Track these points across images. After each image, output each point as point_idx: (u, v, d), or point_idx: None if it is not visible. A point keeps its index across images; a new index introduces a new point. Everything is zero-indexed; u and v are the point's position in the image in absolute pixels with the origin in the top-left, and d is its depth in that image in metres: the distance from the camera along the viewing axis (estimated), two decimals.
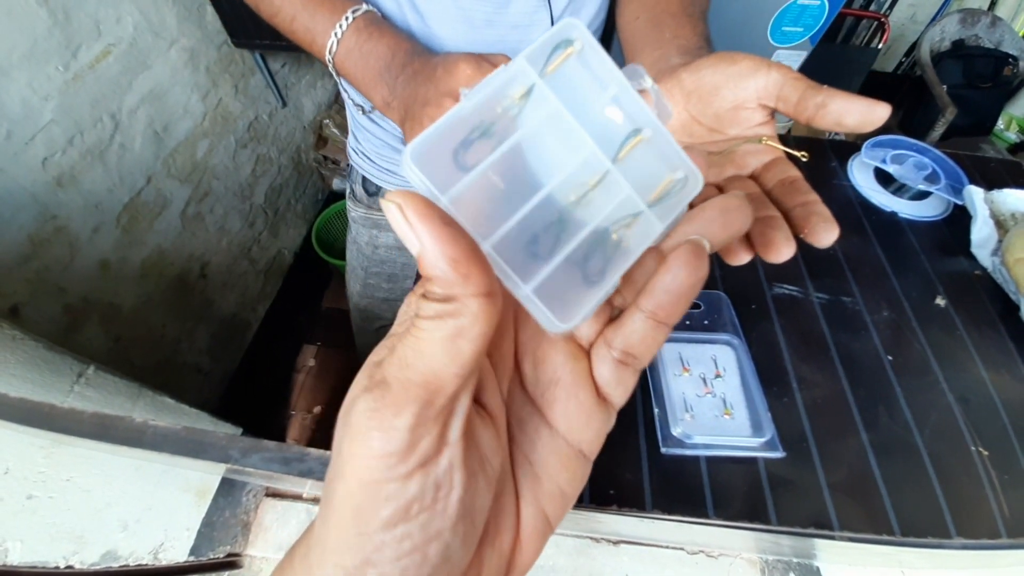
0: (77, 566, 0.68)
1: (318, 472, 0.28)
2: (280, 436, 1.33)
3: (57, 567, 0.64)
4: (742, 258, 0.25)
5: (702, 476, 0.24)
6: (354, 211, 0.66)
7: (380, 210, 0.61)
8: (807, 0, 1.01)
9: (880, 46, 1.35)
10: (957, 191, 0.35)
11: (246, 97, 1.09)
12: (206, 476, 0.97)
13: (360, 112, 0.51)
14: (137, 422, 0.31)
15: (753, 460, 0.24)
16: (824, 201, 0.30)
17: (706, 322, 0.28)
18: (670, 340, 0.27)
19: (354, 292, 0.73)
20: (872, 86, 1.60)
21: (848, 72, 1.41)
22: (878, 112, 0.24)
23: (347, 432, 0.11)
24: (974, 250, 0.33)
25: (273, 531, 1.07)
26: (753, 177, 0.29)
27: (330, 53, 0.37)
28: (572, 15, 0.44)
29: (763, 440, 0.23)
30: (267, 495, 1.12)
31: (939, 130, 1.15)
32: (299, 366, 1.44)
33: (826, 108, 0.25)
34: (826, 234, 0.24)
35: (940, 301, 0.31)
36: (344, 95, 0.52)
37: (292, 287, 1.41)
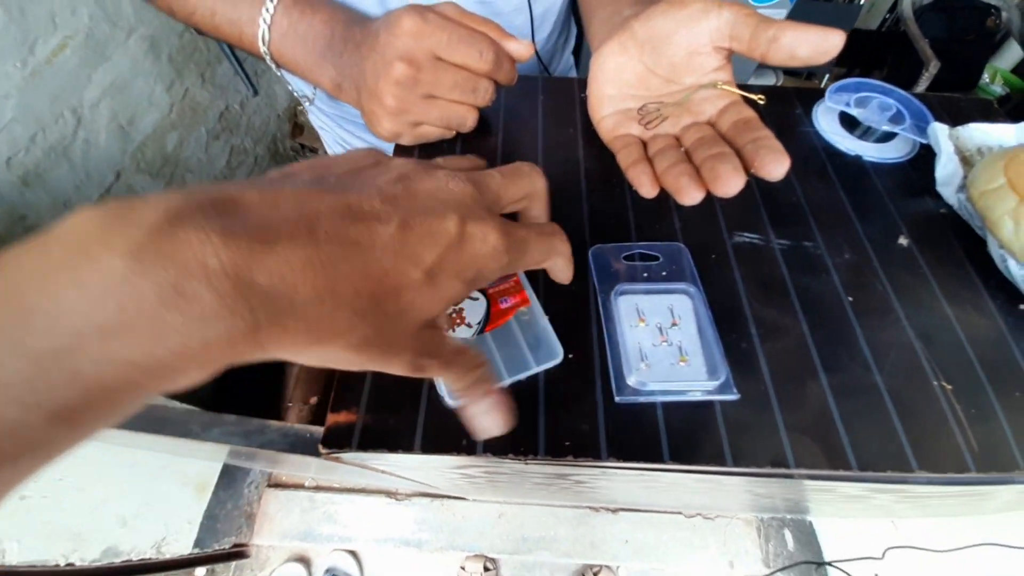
0: (78, 563, 0.68)
1: (279, 443, 0.27)
2: None
3: (57, 565, 0.64)
4: (694, 196, 0.24)
5: (658, 423, 0.23)
6: None
7: None
8: None
9: (862, 2, 1.32)
10: (922, 131, 0.34)
11: (214, 87, 1.06)
12: (204, 469, 0.98)
13: (308, 103, 0.48)
14: None
15: (709, 404, 0.24)
16: (788, 149, 0.29)
17: (664, 273, 0.27)
18: (626, 292, 0.26)
19: None
20: (856, 45, 1.57)
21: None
22: (831, 40, 0.23)
23: None
24: (939, 188, 0.32)
25: (278, 520, 1.09)
26: (710, 123, 0.28)
27: (263, 43, 0.33)
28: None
29: (718, 383, 0.23)
30: (269, 485, 1.13)
31: (923, 84, 1.13)
32: None
33: (778, 42, 0.24)
34: (775, 165, 0.24)
35: (903, 241, 0.30)
36: (289, 87, 0.48)
37: None
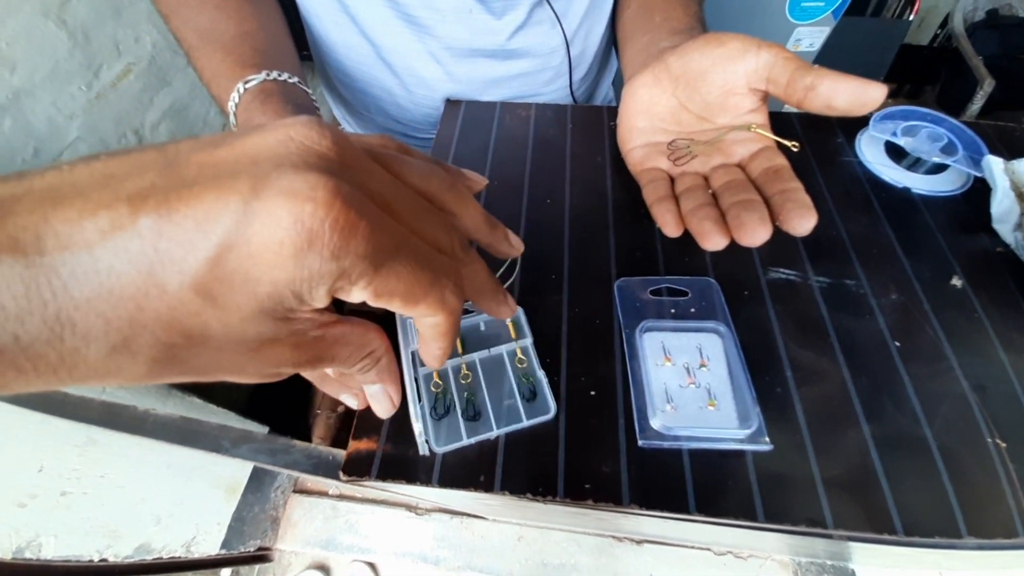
0: (111, 559, 0.71)
1: (302, 464, 0.28)
2: (306, 435, 1.37)
3: (91, 560, 0.67)
4: (716, 243, 0.24)
5: (684, 471, 0.23)
6: None
7: None
8: None
9: (911, 18, 1.27)
10: (976, 162, 0.32)
11: None
12: (235, 472, 1.01)
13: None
14: (139, 411, 0.32)
15: (740, 454, 0.23)
16: (829, 180, 0.27)
17: (693, 310, 0.27)
18: (652, 329, 0.26)
19: None
20: (905, 61, 1.50)
21: (878, 47, 1.33)
22: (871, 93, 0.22)
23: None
24: (995, 225, 0.30)
25: (301, 526, 1.11)
26: (740, 166, 0.28)
27: (232, 124, 0.34)
28: (586, 33, 0.43)
29: (749, 431, 0.22)
30: (295, 491, 1.15)
31: (978, 103, 1.07)
32: None
33: (814, 90, 0.23)
34: (801, 221, 0.23)
35: (956, 281, 0.28)
36: (333, 110, 0.51)
37: None
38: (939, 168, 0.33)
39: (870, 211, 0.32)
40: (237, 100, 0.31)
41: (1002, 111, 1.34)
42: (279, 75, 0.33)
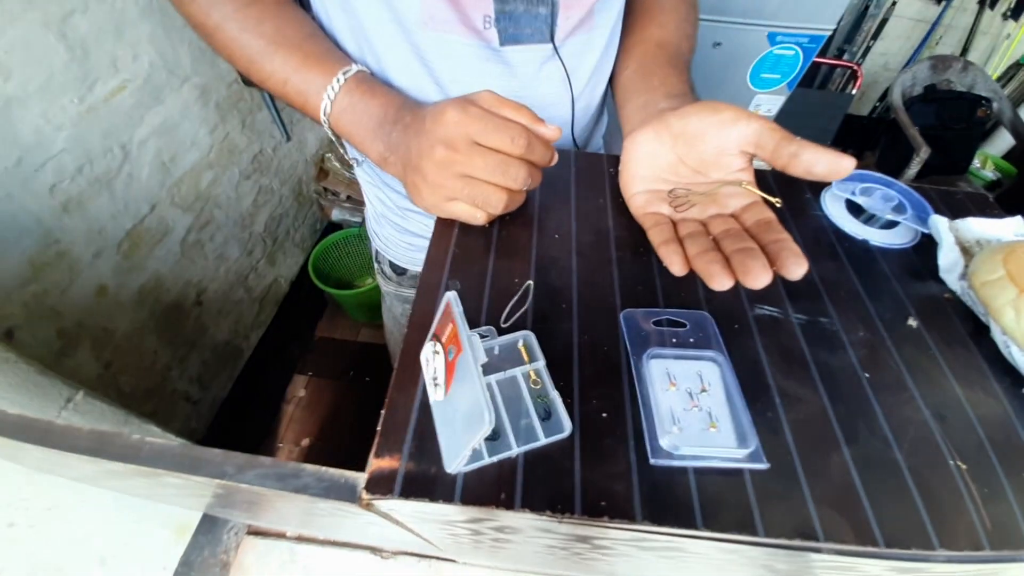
0: None
1: (313, 488, 0.28)
2: None
3: None
4: (724, 284, 0.27)
5: (691, 487, 0.24)
6: (385, 286, 0.68)
7: (409, 287, 0.63)
8: (782, 51, 1.09)
9: (854, 91, 1.44)
10: (923, 220, 0.37)
11: (252, 131, 1.13)
12: (187, 512, 0.94)
13: (356, 164, 0.53)
14: (134, 438, 0.31)
15: (739, 472, 0.25)
16: (800, 229, 0.31)
17: (692, 340, 0.29)
18: (657, 356, 0.28)
19: (394, 353, 0.76)
20: (848, 129, 1.69)
21: (825, 115, 1.49)
22: (844, 164, 0.28)
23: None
24: (942, 275, 0.35)
25: (253, 572, 1.04)
26: (734, 216, 0.32)
27: (324, 114, 0.38)
28: (591, 91, 0.47)
29: (748, 451, 0.24)
30: (248, 533, 1.08)
31: (914, 168, 1.21)
32: (288, 396, 1.42)
33: (798, 158, 0.28)
34: (795, 267, 0.27)
35: (912, 322, 0.33)
36: (340, 150, 0.54)
37: (286, 315, 1.41)
38: (892, 224, 0.38)
39: (836, 258, 0.37)
40: (337, 88, 0.37)
41: (936, 175, 1.51)
42: (362, 66, 0.39)
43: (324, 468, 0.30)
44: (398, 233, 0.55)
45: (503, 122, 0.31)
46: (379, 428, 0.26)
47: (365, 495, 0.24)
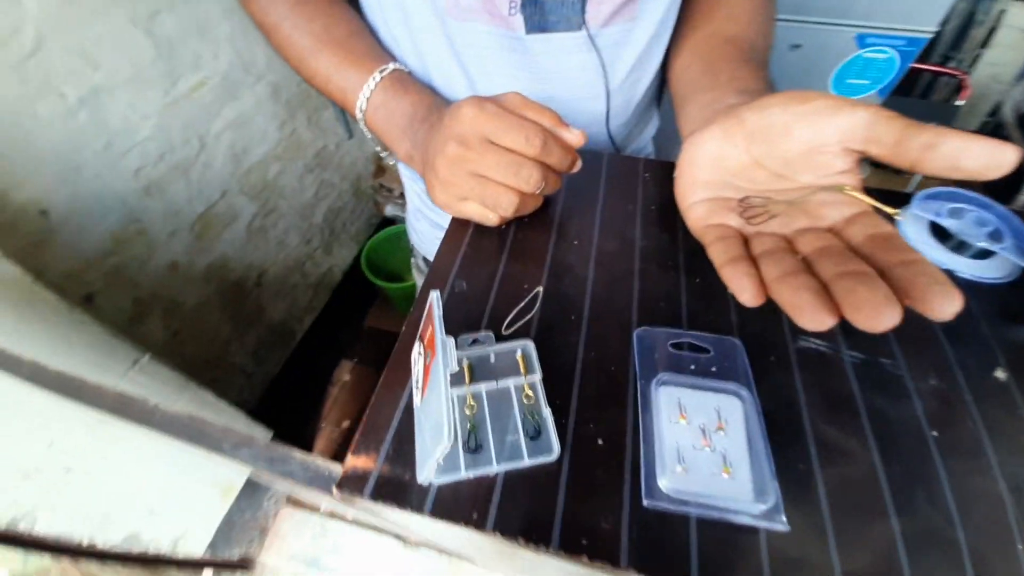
0: (99, 545, 0.71)
1: (298, 475, 0.28)
2: (308, 445, 1.36)
3: (80, 544, 0.67)
4: (822, 321, 0.19)
5: (689, 539, 0.21)
6: (419, 281, 0.69)
7: None
8: (873, 54, 0.97)
9: (960, 103, 1.26)
10: None
11: (317, 128, 1.20)
12: (232, 473, 1.00)
13: (390, 162, 0.53)
14: (149, 404, 0.33)
15: (753, 530, 0.21)
16: None
17: (714, 368, 0.26)
18: (669, 383, 0.25)
19: None
20: None
21: None
22: (1007, 155, 0.19)
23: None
24: None
25: (288, 540, 1.08)
26: (833, 231, 0.24)
27: (360, 110, 0.39)
28: (631, 86, 0.44)
29: (765, 507, 0.21)
30: (288, 502, 1.12)
31: None
32: (335, 379, 1.48)
33: (935, 149, 0.19)
34: (946, 303, 0.17)
35: (1000, 374, 0.27)
36: (374, 147, 0.55)
37: (338, 303, 1.48)
38: (985, 254, 0.32)
39: None
40: (373, 86, 0.38)
41: None
42: (400, 65, 0.40)
43: (313, 457, 0.30)
44: (433, 229, 0.55)
45: (519, 121, 0.29)
46: (360, 425, 0.25)
47: (335, 492, 0.23)
